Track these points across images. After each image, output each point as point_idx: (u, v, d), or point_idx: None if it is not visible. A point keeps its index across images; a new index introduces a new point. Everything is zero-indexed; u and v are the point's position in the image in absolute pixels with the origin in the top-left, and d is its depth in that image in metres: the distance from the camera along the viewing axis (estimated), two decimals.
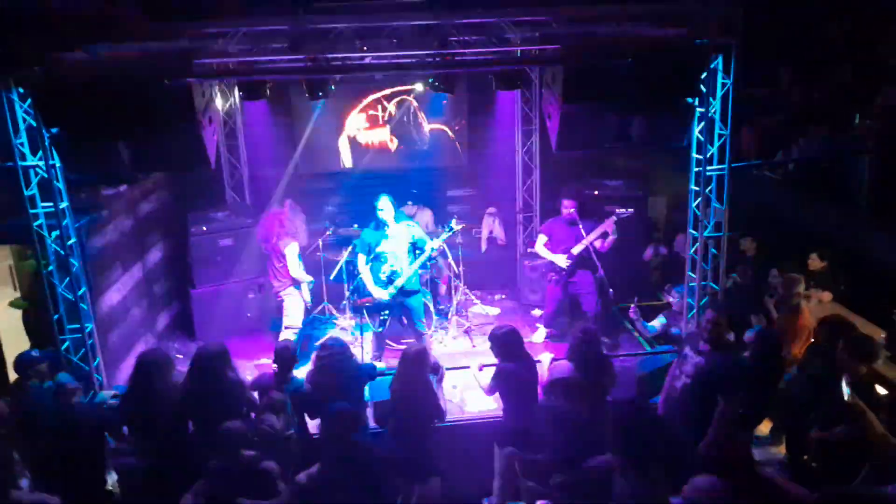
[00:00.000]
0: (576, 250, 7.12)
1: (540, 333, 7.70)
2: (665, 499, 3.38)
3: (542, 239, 7.44)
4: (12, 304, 7.24)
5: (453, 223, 7.39)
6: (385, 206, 6.74)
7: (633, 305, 6.83)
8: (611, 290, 6.89)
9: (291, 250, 6.96)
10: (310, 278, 7.23)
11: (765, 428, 5.71)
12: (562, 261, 7.20)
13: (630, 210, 7.21)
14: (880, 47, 6.83)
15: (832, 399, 4.56)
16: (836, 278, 6.62)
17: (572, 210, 7.15)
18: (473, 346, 7.61)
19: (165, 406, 4.59)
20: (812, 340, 5.79)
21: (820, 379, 4.79)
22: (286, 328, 7.09)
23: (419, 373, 4.78)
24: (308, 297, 7.32)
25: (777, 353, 5.10)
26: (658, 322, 6.97)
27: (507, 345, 4.93)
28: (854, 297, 6.50)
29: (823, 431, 4.52)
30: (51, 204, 5.55)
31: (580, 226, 7.08)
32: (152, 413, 4.59)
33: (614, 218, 7.02)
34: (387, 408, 5.16)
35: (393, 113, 9.13)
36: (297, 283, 7.10)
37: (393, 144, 9.21)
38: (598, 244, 7.06)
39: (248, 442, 4.17)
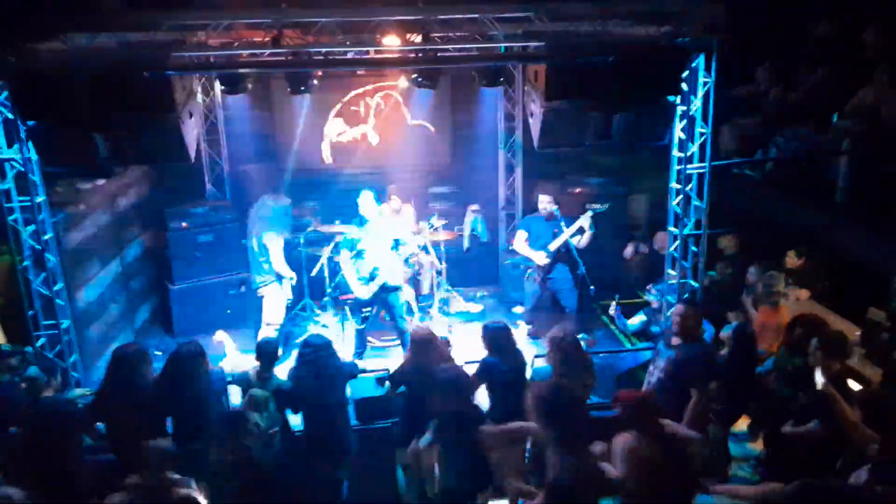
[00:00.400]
0: (553, 246, 7.13)
1: (521, 330, 7.72)
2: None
3: (521, 235, 7.42)
4: None
5: (433, 220, 7.39)
6: (366, 202, 6.72)
7: (613, 303, 6.86)
8: (591, 286, 6.90)
9: (275, 243, 6.90)
10: (292, 274, 7.17)
11: (743, 424, 5.77)
12: (540, 258, 7.20)
13: (606, 205, 7.21)
14: (858, 47, 6.90)
15: (807, 394, 4.62)
16: (814, 276, 6.70)
17: (550, 206, 7.16)
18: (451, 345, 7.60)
19: (141, 402, 4.52)
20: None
21: (794, 375, 4.85)
22: (267, 324, 7.04)
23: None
24: (289, 294, 7.26)
25: (752, 349, 5.17)
26: (638, 319, 7.02)
27: (496, 340, 4.93)
28: (831, 295, 6.59)
29: (797, 426, 4.58)
30: (27, 198, 5.47)
31: (560, 221, 7.08)
32: (128, 409, 4.51)
33: (590, 213, 7.03)
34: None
35: (375, 108, 9.08)
36: (279, 278, 7.04)
37: (375, 140, 9.17)
38: (575, 241, 7.05)
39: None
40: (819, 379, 4.37)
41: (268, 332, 6.89)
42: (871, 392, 4.43)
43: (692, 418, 4.62)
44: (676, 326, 4.95)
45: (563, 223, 7.06)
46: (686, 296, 6.31)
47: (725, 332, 5.43)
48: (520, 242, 7.40)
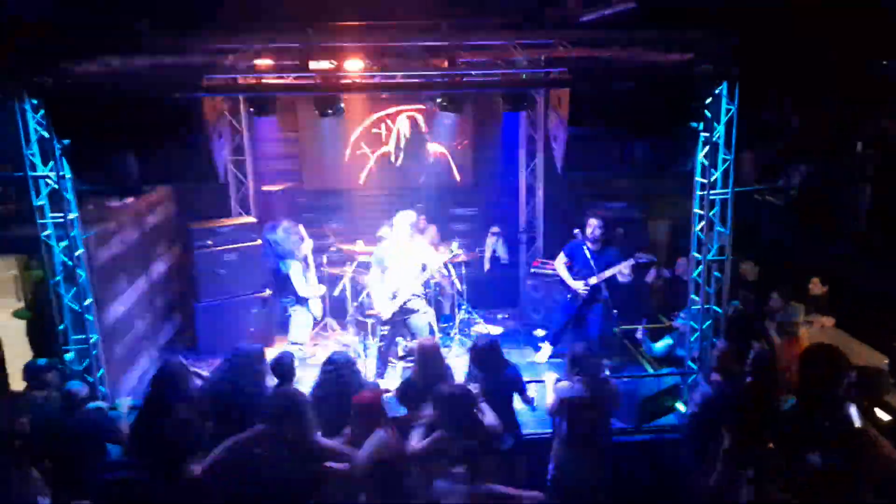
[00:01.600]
0: (593, 281, 7.16)
1: (544, 353, 7.71)
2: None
3: (562, 258, 7.44)
4: (16, 315, 7.25)
5: (454, 246, 7.44)
6: (403, 222, 6.77)
7: (640, 327, 6.86)
8: (615, 311, 6.90)
9: (294, 270, 6.98)
10: (318, 292, 7.20)
11: None
12: (579, 287, 7.22)
13: (652, 257, 7.24)
14: (879, 79, 6.90)
15: (833, 427, 4.55)
16: (837, 304, 6.65)
17: (598, 231, 7.19)
18: None
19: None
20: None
21: (817, 407, 4.79)
22: (291, 343, 7.09)
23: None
24: (318, 313, 7.31)
25: (773, 376, 5.12)
26: (664, 343, 6.99)
27: (484, 355, 4.99)
28: (854, 322, 6.52)
29: (822, 457, 4.50)
30: (60, 215, 5.59)
31: (610, 254, 7.14)
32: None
33: (632, 262, 7.08)
34: None
35: (399, 130, 9.19)
36: (302, 301, 7.11)
37: (398, 161, 9.26)
38: (620, 277, 7.13)
39: None
40: (854, 415, 4.29)
41: (291, 350, 6.94)
42: None
43: (724, 459, 4.57)
44: (716, 362, 4.93)
45: (614, 257, 7.13)
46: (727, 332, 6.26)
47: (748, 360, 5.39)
48: (560, 265, 7.43)
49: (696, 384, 5.09)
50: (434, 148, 9.25)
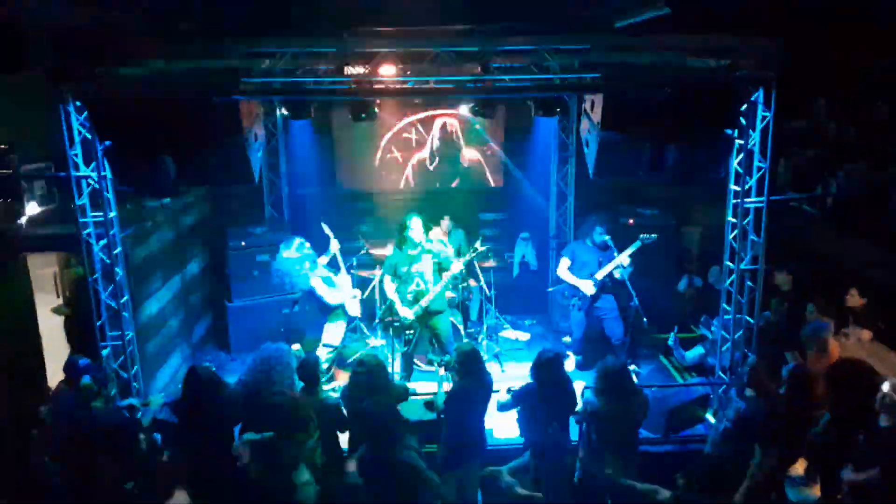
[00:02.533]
0: (599, 275, 7.11)
1: (570, 361, 7.67)
2: None
3: (564, 262, 7.42)
4: (54, 311, 7.44)
5: (477, 244, 7.44)
6: (415, 226, 6.81)
7: (672, 334, 6.80)
8: (645, 318, 6.84)
9: (315, 283, 6.96)
10: (350, 295, 7.20)
11: (800, 468, 5.60)
12: (587, 287, 7.18)
13: (654, 235, 7.15)
14: None
15: (867, 438, 4.47)
16: (875, 316, 6.50)
17: (606, 236, 7.16)
18: (503, 372, 7.60)
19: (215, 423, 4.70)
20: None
21: (850, 421, 4.70)
22: (323, 345, 7.14)
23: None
24: (357, 311, 7.30)
25: (808, 390, 5.03)
26: (695, 352, 6.92)
27: (467, 363, 4.96)
28: (893, 335, 6.37)
29: (857, 473, 4.42)
30: (100, 214, 5.74)
31: (613, 252, 7.06)
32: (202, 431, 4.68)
33: (638, 242, 7.02)
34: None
35: (433, 135, 9.24)
36: (330, 309, 7.12)
37: (432, 166, 9.31)
38: (616, 273, 7.06)
39: None
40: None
41: (322, 352, 7.01)
42: None
43: (754, 479, 4.52)
44: (749, 379, 4.88)
45: (615, 253, 7.04)
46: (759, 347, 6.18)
47: (784, 374, 5.32)
48: (563, 269, 7.41)
49: (730, 399, 5.03)
50: (468, 153, 9.28)
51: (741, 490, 4.45)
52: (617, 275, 7.06)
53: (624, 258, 6.99)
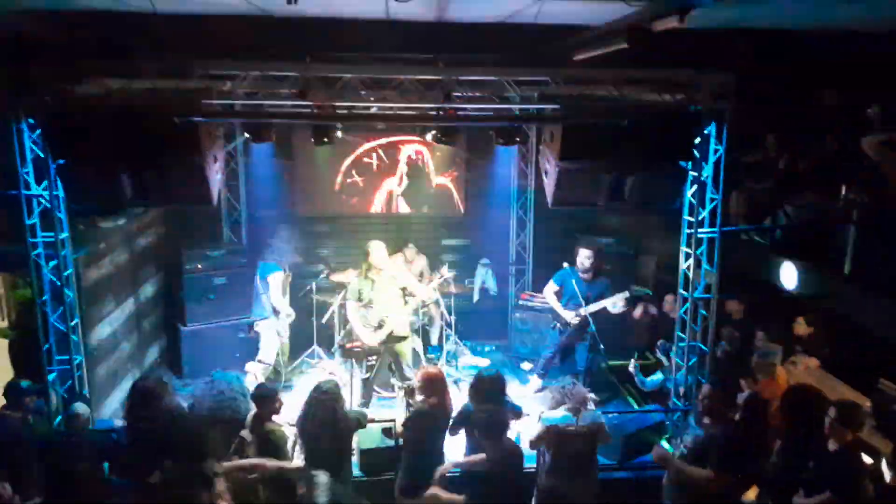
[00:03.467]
0: (584, 311, 7.23)
1: (533, 384, 7.70)
2: None
3: (552, 286, 7.50)
4: None
5: (444, 270, 7.46)
6: (378, 251, 6.80)
7: (633, 360, 6.89)
8: (601, 346, 6.94)
9: (274, 280, 7.00)
10: (290, 311, 7.19)
11: (751, 494, 5.70)
12: (570, 317, 7.29)
13: (647, 292, 7.35)
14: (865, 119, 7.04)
15: (818, 463, 4.58)
16: (822, 344, 6.70)
17: (589, 261, 7.26)
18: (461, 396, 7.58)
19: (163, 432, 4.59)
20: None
21: (802, 447, 4.82)
22: (258, 361, 7.05)
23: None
24: (284, 332, 7.30)
25: (762, 418, 5.14)
26: (654, 378, 7.01)
27: (431, 385, 4.98)
28: (840, 364, 6.56)
29: (808, 497, 4.52)
30: (51, 234, 5.59)
31: (603, 285, 7.27)
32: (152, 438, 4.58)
33: (626, 295, 7.18)
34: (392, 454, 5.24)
35: (399, 160, 9.27)
36: (276, 312, 7.11)
37: (399, 190, 9.32)
38: (612, 310, 7.26)
39: None
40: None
41: (256, 368, 6.91)
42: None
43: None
44: (703, 407, 4.97)
45: (605, 287, 7.27)
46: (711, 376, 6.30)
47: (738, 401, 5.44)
48: (549, 293, 7.50)
49: (687, 426, 5.12)
50: (437, 178, 9.31)
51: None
52: (612, 309, 7.25)
53: (610, 303, 7.18)
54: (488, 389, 4.95)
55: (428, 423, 4.93)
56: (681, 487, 4.78)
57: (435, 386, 4.99)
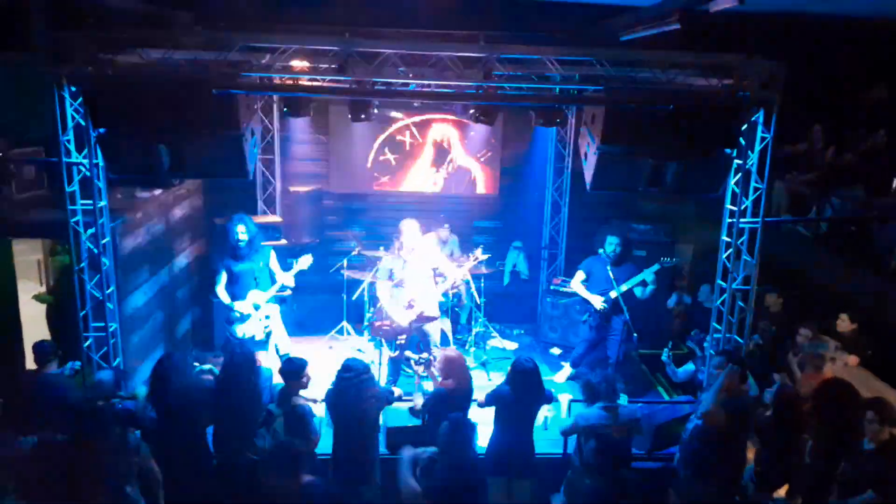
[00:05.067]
0: (615, 294, 7.06)
1: (563, 373, 7.63)
2: None
3: (579, 276, 7.36)
4: (36, 298, 7.32)
5: (478, 252, 7.37)
6: (411, 230, 6.75)
7: (666, 350, 6.78)
8: (634, 335, 6.82)
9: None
10: (290, 282, 7.06)
11: (782, 491, 5.59)
12: (598, 302, 7.13)
13: (675, 259, 7.15)
14: None
15: (852, 464, 4.48)
16: (863, 342, 6.51)
17: (618, 248, 7.12)
18: (489, 380, 7.55)
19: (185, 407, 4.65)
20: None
21: (835, 445, 4.70)
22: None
23: None
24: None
25: (794, 410, 5.04)
26: (688, 369, 6.90)
27: (450, 367, 5.03)
28: (880, 362, 6.39)
29: (844, 497, 4.43)
30: (90, 202, 5.64)
31: (630, 268, 7.07)
32: (172, 412, 4.64)
33: (656, 266, 7.01)
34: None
35: (429, 139, 9.19)
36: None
37: (426, 170, 9.26)
38: (637, 291, 7.03)
39: None
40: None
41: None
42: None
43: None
44: (720, 385, 4.88)
45: (632, 272, 7.05)
46: (729, 349, 6.19)
47: (769, 394, 5.34)
48: (576, 282, 7.35)
49: (700, 401, 5.06)
50: (463, 158, 9.24)
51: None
52: (639, 293, 7.04)
53: (638, 281, 7.00)
54: (526, 379, 4.90)
55: (445, 405, 4.90)
56: None
57: (453, 368, 4.96)
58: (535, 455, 5.11)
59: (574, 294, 7.56)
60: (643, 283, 7.03)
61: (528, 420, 5.01)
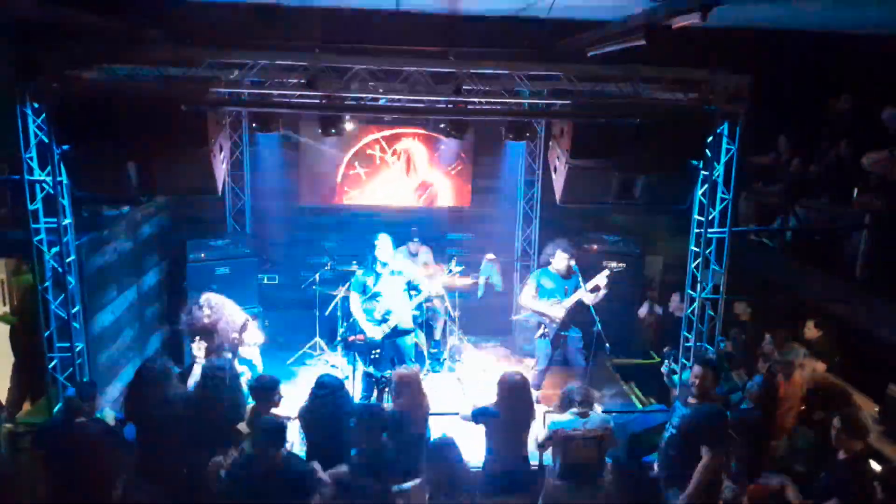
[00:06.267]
0: (567, 303, 7.00)
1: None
2: None
3: (528, 290, 7.17)
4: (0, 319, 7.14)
5: (452, 265, 7.36)
6: (383, 245, 6.74)
7: (666, 363, 6.80)
8: (607, 345, 6.84)
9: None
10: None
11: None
12: (557, 311, 7.03)
13: (622, 265, 7.17)
14: (879, 123, 6.96)
15: (826, 472, 4.55)
16: (831, 349, 6.64)
17: (567, 261, 7.09)
18: (465, 394, 7.54)
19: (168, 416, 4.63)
20: (802, 408, 5.81)
21: (812, 450, 4.79)
22: None
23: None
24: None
25: (774, 404, 5.14)
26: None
27: (404, 386, 4.95)
28: (848, 368, 6.51)
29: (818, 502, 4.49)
30: (53, 220, 5.53)
31: (578, 277, 7.03)
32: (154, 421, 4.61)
33: (607, 272, 7.01)
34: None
35: (399, 152, 9.19)
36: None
37: (396, 183, 9.25)
38: (587, 299, 6.95)
39: None
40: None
41: None
42: (893, 470, 4.36)
43: (701, 479, 4.60)
44: (693, 387, 4.93)
45: (580, 279, 7.00)
46: (702, 357, 6.24)
47: (752, 385, 5.43)
48: (527, 297, 7.17)
49: (674, 409, 5.09)
50: (433, 171, 9.26)
51: (687, 491, 4.62)
52: (588, 301, 6.95)
53: (595, 283, 6.94)
54: (513, 393, 4.88)
55: (400, 426, 4.78)
56: None
57: (405, 388, 4.93)
58: (530, 470, 5.09)
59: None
60: (595, 289, 6.98)
61: (520, 435, 4.95)
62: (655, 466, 5.28)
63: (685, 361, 6.48)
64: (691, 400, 4.97)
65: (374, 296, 6.76)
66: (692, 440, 4.77)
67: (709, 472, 4.64)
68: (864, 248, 6.46)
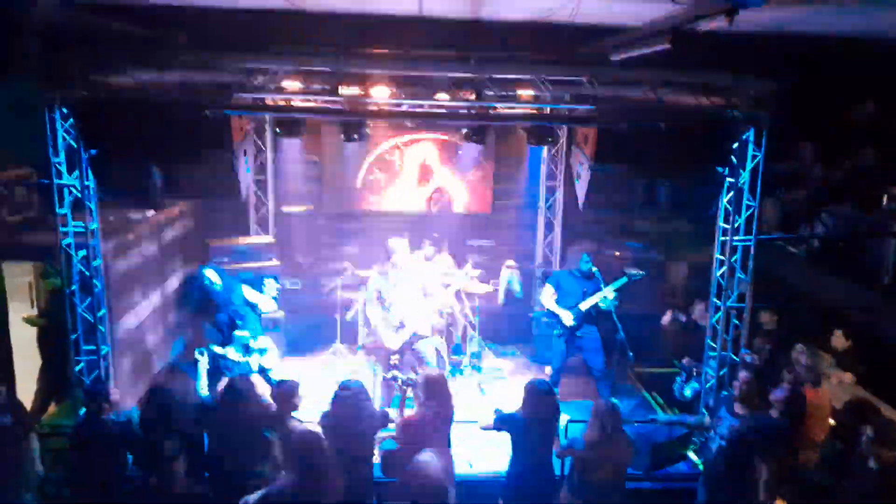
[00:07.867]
0: (583, 306, 6.97)
1: None
2: None
3: (548, 290, 7.21)
4: (27, 321, 7.23)
5: (468, 267, 7.32)
6: (400, 250, 6.71)
7: (679, 379, 6.73)
8: (630, 353, 6.77)
9: (247, 291, 6.88)
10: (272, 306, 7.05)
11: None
12: (567, 317, 7.01)
13: (643, 272, 7.09)
14: None
15: (853, 482, 4.46)
16: (858, 359, 6.51)
17: (591, 265, 7.06)
18: (483, 394, 7.51)
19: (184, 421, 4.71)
20: (832, 422, 5.69)
21: (840, 462, 4.69)
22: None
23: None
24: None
25: (801, 418, 5.05)
26: (691, 388, 6.86)
27: (430, 387, 4.87)
28: (874, 379, 6.38)
29: None
30: (81, 224, 5.60)
31: (599, 281, 6.98)
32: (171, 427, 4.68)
33: (625, 279, 6.95)
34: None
35: (418, 158, 9.20)
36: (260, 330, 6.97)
37: (415, 188, 9.25)
38: (604, 302, 6.91)
39: None
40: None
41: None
42: None
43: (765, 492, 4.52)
44: (740, 393, 4.86)
45: (600, 282, 6.94)
46: (749, 360, 6.14)
47: (777, 395, 5.33)
48: (546, 297, 7.22)
49: (720, 419, 4.99)
50: (450, 177, 9.25)
51: None
52: (602, 305, 6.92)
53: (608, 293, 6.90)
54: (540, 400, 4.83)
55: (423, 425, 4.78)
56: None
57: (434, 390, 4.88)
58: (554, 478, 5.04)
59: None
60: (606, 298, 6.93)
61: (547, 443, 4.90)
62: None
63: (710, 371, 6.39)
64: (738, 408, 4.90)
65: (393, 301, 6.73)
66: (744, 451, 4.69)
67: (769, 484, 4.55)
68: (892, 255, 6.34)
